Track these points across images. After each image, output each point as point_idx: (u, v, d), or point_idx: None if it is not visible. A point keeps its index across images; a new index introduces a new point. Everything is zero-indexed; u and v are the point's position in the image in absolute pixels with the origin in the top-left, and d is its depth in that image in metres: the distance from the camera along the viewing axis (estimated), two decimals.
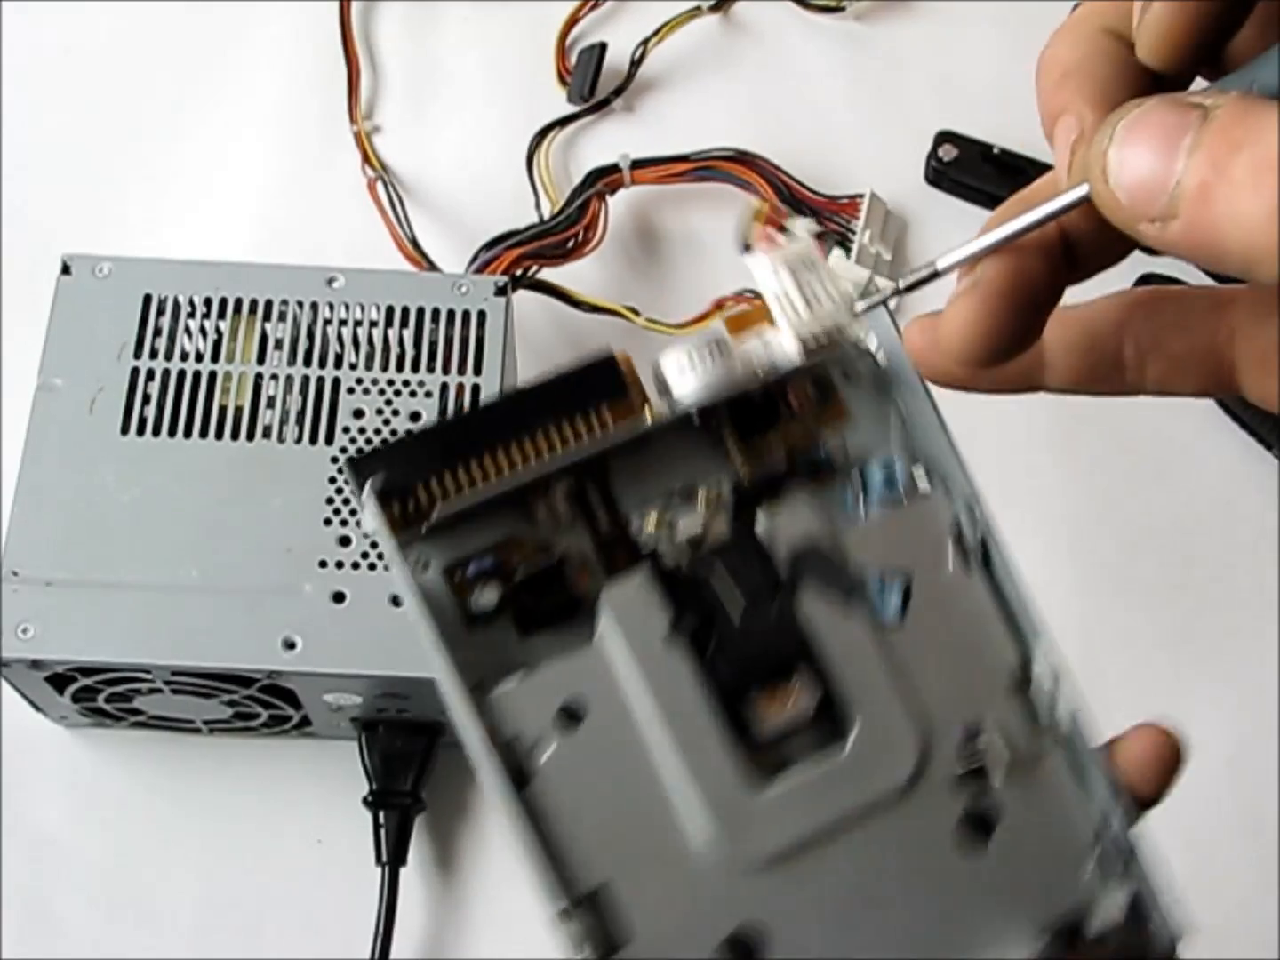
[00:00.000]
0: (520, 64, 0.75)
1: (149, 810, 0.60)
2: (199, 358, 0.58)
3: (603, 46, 0.73)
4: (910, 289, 0.33)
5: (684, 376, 0.33)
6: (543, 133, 0.71)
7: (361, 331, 0.59)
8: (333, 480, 0.56)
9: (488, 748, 0.32)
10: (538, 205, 0.69)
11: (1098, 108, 0.31)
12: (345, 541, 0.55)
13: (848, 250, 0.68)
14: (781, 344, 0.35)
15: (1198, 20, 0.29)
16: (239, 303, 0.59)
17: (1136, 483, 0.65)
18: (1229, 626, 0.62)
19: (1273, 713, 0.60)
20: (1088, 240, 0.31)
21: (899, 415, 0.35)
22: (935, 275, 0.33)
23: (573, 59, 0.74)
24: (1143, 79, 0.30)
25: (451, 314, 0.59)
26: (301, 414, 0.57)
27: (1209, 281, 0.31)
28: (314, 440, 0.56)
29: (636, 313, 0.66)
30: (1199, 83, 0.31)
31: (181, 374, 0.57)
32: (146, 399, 0.57)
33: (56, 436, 0.56)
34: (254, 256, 0.61)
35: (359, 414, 0.57)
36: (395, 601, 0.54)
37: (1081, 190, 0.30)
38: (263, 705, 0.56)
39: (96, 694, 0.55)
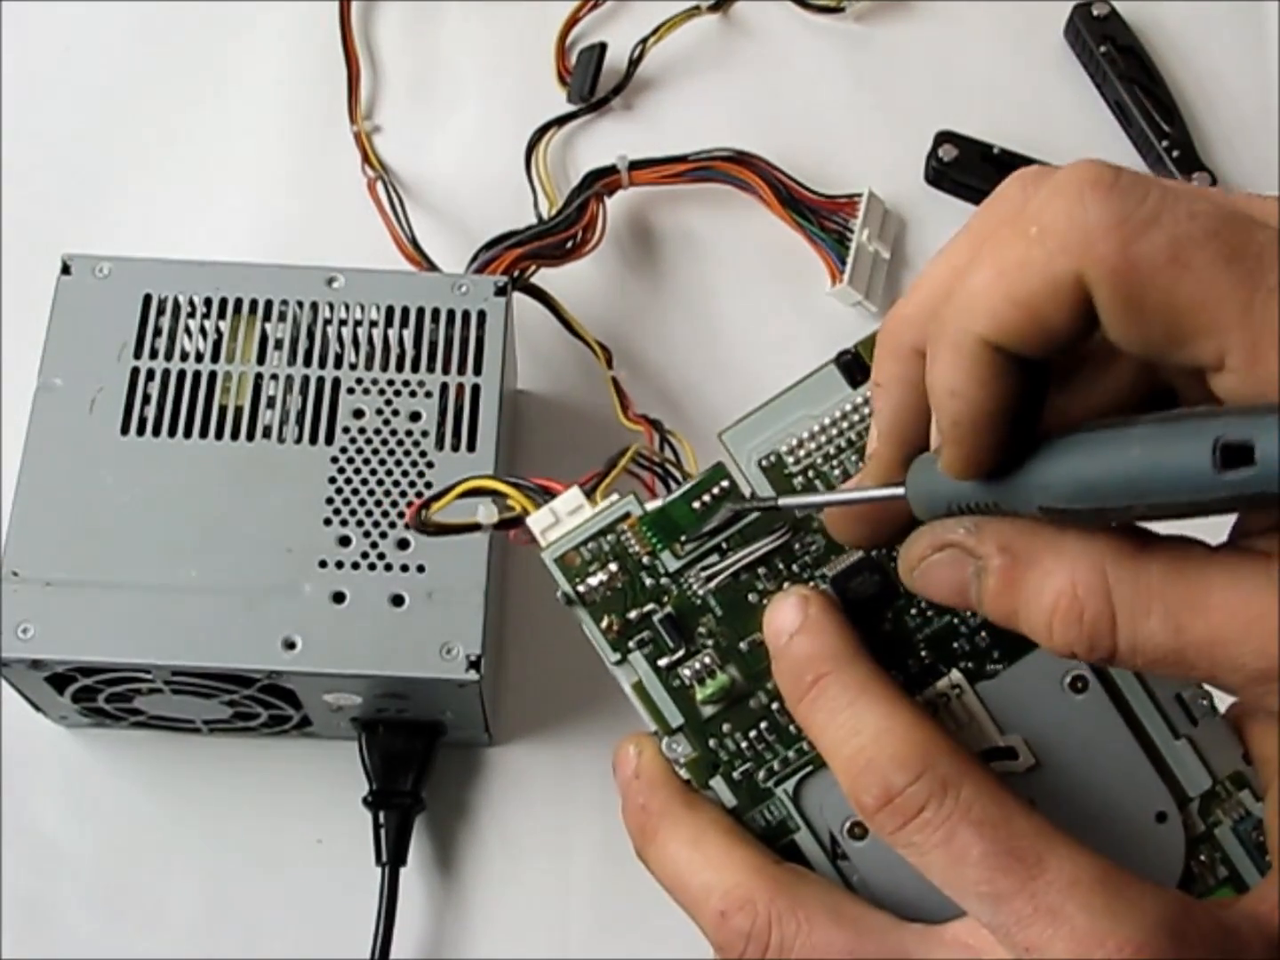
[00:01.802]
0: (520, 64, 0.75)
1: (149, 810, 0.60)
2: (199, 358, 0.58)
3: (602, 46, 0.73)
4: (747, 511, 0.38)
5: None
6: (541, 131, 0.71)
7: (361, 331, 0.59)
8: (332, 480, 0.56)
9: None
10: (535, 204, 0.69)
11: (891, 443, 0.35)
12: (345, 541, 0.55)
13: (846, 250, 0.68)
14: None
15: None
16: (239, 303, 0.59)
17: None
18: None
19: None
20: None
21: None
22: (776, 508, 0.37)
23: (572, 59, 0.74)
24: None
25: (451, 314, 0.59)
26: (301, 414, 0.57)
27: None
28: (314, 440, 0.56)
29: (609, 364, 0.65)
30: None
31: (181, 374, 0.57)
32: (146, 399, 0.57)
33: (56, 436, 0.56)
34: (254, 256, 0.61)
35: (359, 414, 0.57)
36: (395, 601, 0.54)
37: (895, 492, 0.34)
38: (263, 705, 0.56)
39: (96, 694, 0.55)
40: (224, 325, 0.58)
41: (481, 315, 0.59)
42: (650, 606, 0.37)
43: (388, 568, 0.54)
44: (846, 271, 0.67)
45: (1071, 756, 0.37)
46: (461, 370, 0.58)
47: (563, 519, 0.37)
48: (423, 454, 0.56)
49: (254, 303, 0.59)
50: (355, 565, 0.54)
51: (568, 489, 0.37)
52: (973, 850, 0.32)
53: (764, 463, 0.39)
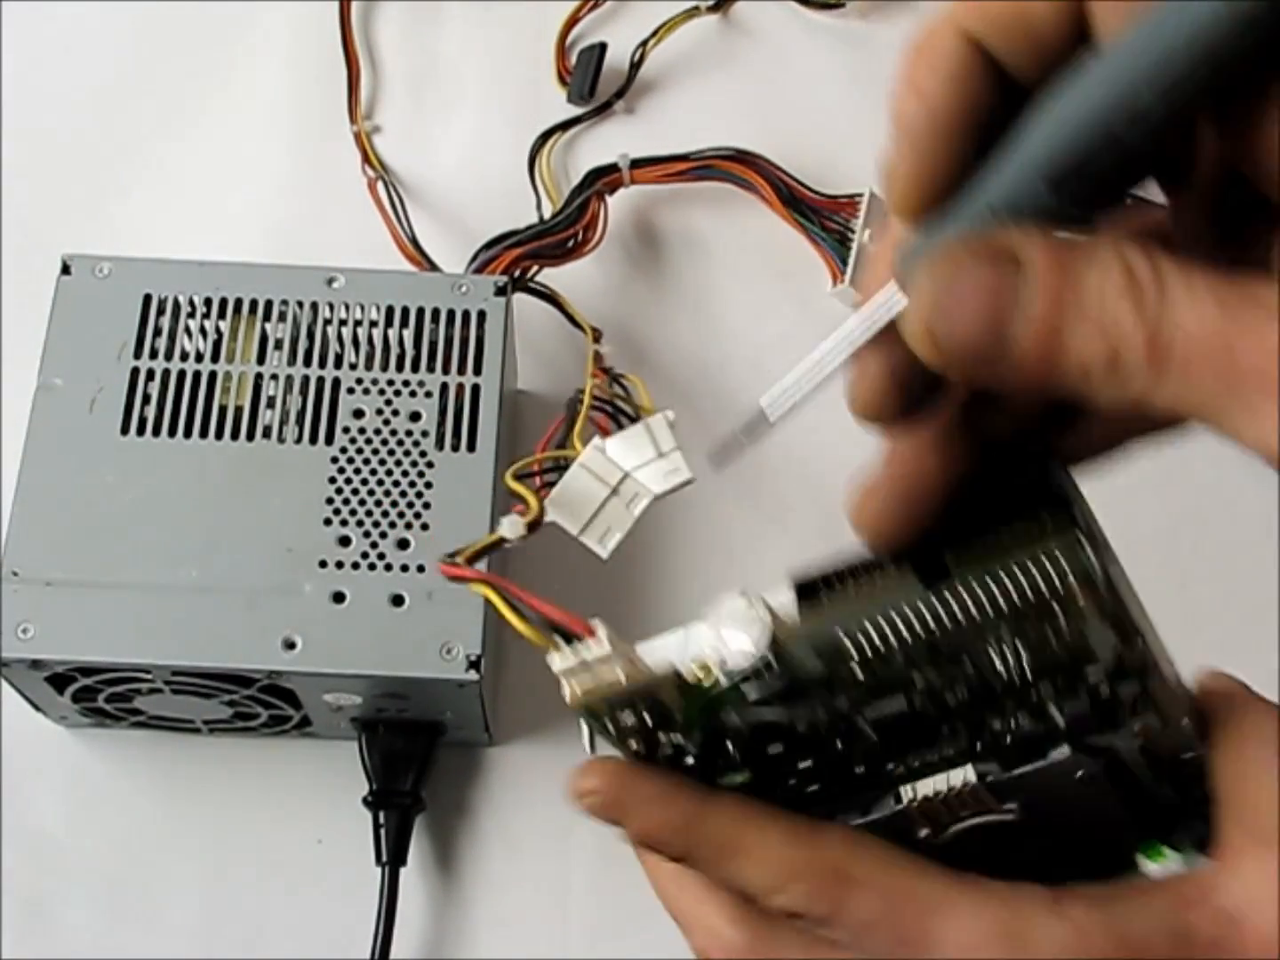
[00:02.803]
0: (520, 64, 0.75)
1: (149, 810, 0.60)
2: (199, 358, 0.58)
3: (603, 46, 0.73)
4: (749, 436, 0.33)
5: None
6: (544, 137, 0.71)
7: (361, 331, 0.59)
8: (332, 480, 0.56)
9: None
10: (539, 208, 0.69)
11: (914, 207, 0.30)
12: (345, 541, 0.55)
13: (847, 250, 0.68)
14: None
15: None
16: (239, 303, 0.59)
17: (1135, 483, 0.65)
18: (1229, 627, 0.62)
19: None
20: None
21: None
22: (763, 417, 0.32)
23: (573, 59, 0.74)
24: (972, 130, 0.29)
25: (451, 314, 0.59)
26: (301, 414, 0.57)
27: None
28: (314, 440, 0.56)
29: (596, 341, 0.65)
30: None
31: (181, 374, 0.57)
32: (146, 399, 0.57)
33: (56, 436, 0.56)
34: (254, 256, 0.61)
35: (359, 414, 0.57)
36: (396, 601, 0.54)
37: (895, 303, 0.29)
38: (263, 705, 0.56)
39: (96, 694, 0.55)
40: (224, 325, 0.58)
41: (481, 315, 0.59)
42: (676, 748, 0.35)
43: (388, 568, 0.54)
44: (848, 272, 0.67)
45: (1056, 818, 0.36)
46: (461, 370, 0.58)
47: (593, 667, 0.33)
48: (423, 454, 0.56)
49: (254, 303, 0.59)
50: (355, 565, 0.54)
51: (589, 631, 0.33)
52: (873, 948, 0.33)
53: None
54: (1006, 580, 0.31)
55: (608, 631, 0.32)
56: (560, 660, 0.33)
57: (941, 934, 0.33)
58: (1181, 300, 0.26)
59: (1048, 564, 0.31)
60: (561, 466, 0.39)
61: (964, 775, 0.35)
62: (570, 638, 0.32)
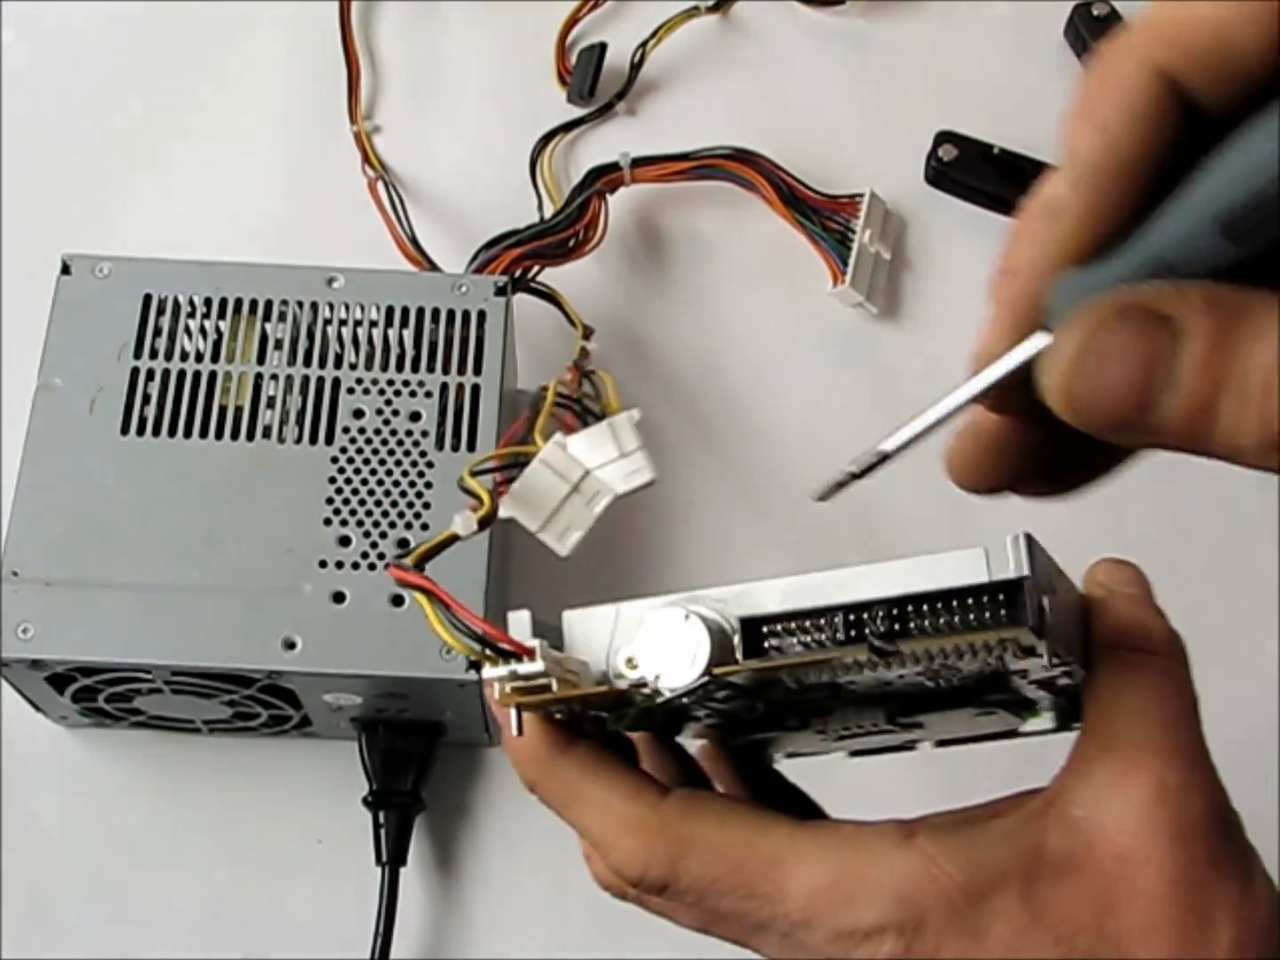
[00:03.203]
0: (520, 64, 0.75)
1: (149, 810, 0.60)
2: (199, 358, 0.58)
3: (603, 46, 0.73)
4: (863, 474, 0.32)
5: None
6: (546, 139, 0.71)
7: (361, 331, 0.59)
8: (332, 480, 0.56)
9: None
10: (540, 208, 0.69)
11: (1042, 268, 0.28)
12: (345, 541, 0.55)
13: (847, 250, 0.68)
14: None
15: None
16: (239, 303, 0.59)
17: (1135, 485, 0.65)
18: (1229, 626, 0.62)
19: (1273, 713, 0.60)
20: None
21: None
22: (885, 458, 0.31)
23: (573, 59, 0.74)
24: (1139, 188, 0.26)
25: (451, 314, 0.59)
26: (301, 414, 0.57)
27: None
28: (314, 440, 0.56)
29: (586, 337, 0.65)
30: None
31: (181, 374, 0.57)
32: (146, 399, 0.57)
33: (56, 436, 0.56)
34: (254, 256, 0.61)
35: (359, 414, 0.57)
36: (396, 601, 0.54)
37: (1037, 344, 0.27)
38: (263, 705, 0.56)
39: (96, 694, 0.55)
40: (224, 325, 0.58)
41: (481, 315, 0.59)
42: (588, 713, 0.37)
43: (388, 567, 0.54)
44: (848, 273, 0.67)
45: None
46: (461, 370, 0.58)
47: (526, 678, 0.34)
48: (423, 454, 0.56)
49: (254, 303, 0.59)
50: (355, 565, 0.54)
51: (525, 648, 0.33)
52: (721, 905, 0.34)
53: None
54: (950, 652, 0.32)
55: (544, 650, 0.33)
56: (490, 669, 0.33)
57: (787, 883, 0.33)
58: None
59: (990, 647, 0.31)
60: (523, 463, 0.39)
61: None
62: (509, 655, 0.33)
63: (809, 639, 0.32)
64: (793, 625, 0.32)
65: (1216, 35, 0.24)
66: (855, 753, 0.42)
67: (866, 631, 0.31)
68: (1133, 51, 0.25)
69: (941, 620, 0.31)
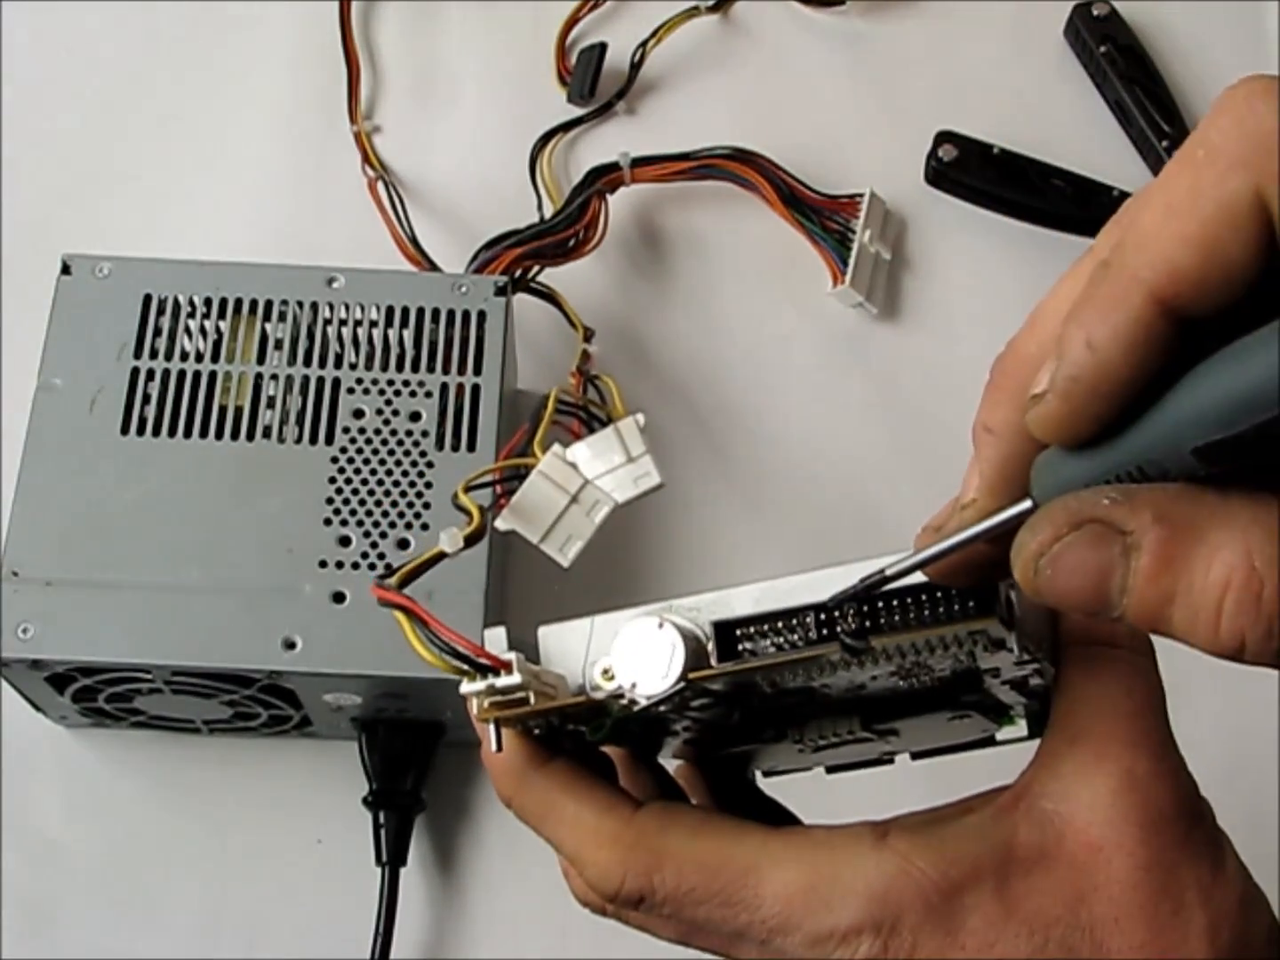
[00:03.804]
0: (520, 64, 0.75)
1: (149, 810, 0.60)
2: (199, 358, 0.58)
3: (602, 46, 0.73)
4: (867, 589, 0.32)
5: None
6: (545, 138, 0.71)
7: (361, 331, 0.59)
8: (332, 480, 0.56)
9: None
10: (540, 208, 0.69)
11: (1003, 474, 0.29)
12: (345, 541, 0.55)
13: (847, 250, 0.68)
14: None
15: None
16: (239, 303, 0.59)
17: None
18: None
19: (1272, 713, 0.60)
20: None
21: None
22: (885, 580, 0.31)
23: (572, 59, 0.74)
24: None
25: (451, 314, 0.59)
26: (301, 414, 0.57)
27: None
28: (314, 440, 0.56)
29: (587, 340, 0.65)
30: None
31: (181, 374, 0.57)
32: (146, 399, 0.57)
33: (56, 436, 0.56)
34: (254, 256, 0.61)
35: (359, 414, 0.57)
36: None
37: (1020, 508, 0.29)
38: (263, 705, 0.56)
39: (96, 694, 0.55)
40: (224, 325, 0.58)
41: (481, 315, 0.59)
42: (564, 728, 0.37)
43: (388, 568, 0.54)
44: (848, 273, 0.67)
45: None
46: (461, 370, 0.58)
47: (504, 692, 0.34)
48: (423, 454, 0.56)
49: (254, 303, 0.59)
50: (355, 565, 0.54)
51: (502, 662, 0.33)
52: (698, 915, 0.34)
53: None
54: (922, 649, 0.32)
55: (521, 663, 0.33)
56: (469, 684, 0.34)
57: (761, 889, 0.33)
58: None
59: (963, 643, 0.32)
60: (522, 475, 0.40)
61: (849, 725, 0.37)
62: (486, 670, 0.33)
63: (781, 640, 0.32)
64: (765, 627, 0.33)
65: (1208, 256, 0.25)
66: (833, 768, 0.42)
67: (838, 629, 0.32)
68: (1128, 276, 0.26)
69: (911, 615, 0.31)
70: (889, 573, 0.31)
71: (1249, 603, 0.25)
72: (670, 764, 0.42)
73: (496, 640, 0.34)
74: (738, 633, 0.33)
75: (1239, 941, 0.32)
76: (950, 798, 0.36)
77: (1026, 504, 0.28)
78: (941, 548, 0.30)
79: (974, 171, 0.71)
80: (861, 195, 0.69)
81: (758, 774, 0.44)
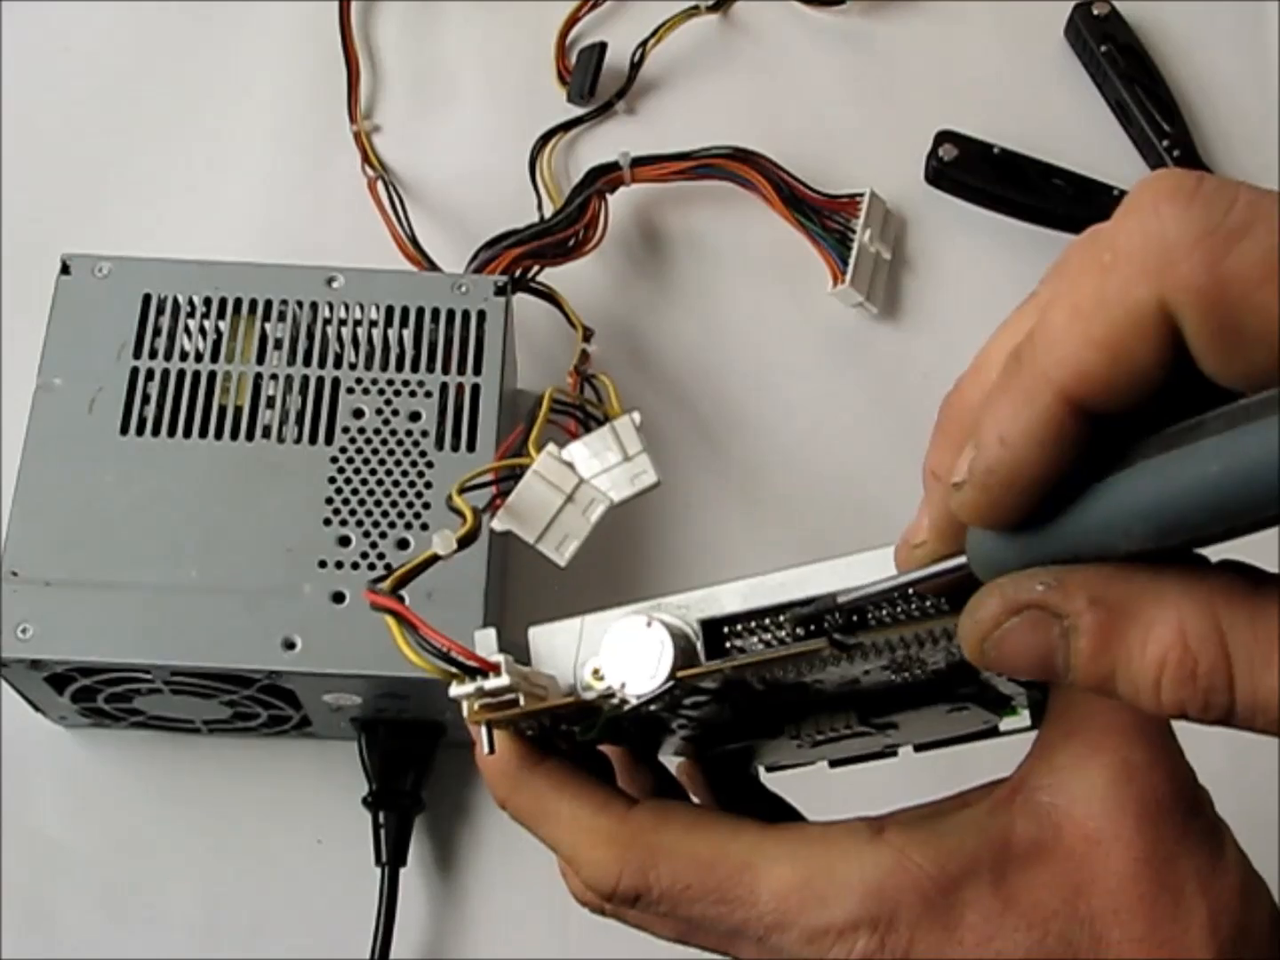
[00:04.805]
0: (520, 64, 0.75)
1: (149, 810, 0.60)
2: (199, 358, 0.58)
3: (602, 46, 0.73)
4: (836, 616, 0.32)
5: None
6: (545, 138, 0.71)
7: (361, 331, 0.59)
8: (332, 480, 0.56)
9: None
10: (540, 208, 0.69)
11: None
12: (345, 541, 0.55)
13: (847, 250, 0.68)
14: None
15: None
16: (239, 303, 0.59)
17: None
18: None
19: None
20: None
21: None
22: (836, 605, 0.32)
23: (572, 58, 0.74)
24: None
25: (451, 314, 0.59)
26: (301, 414, 0.57)
27: None
28: (314, 440, 0.56)
29: (586, 340, 0.65)
30: None
31: (181, 374, 0.57)
32: (146, 399, 0.57)
33: (56, 436, 0.56)
34: (254, 256, 0.61)
35: (359, 414, 0.57)
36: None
37: (958, 563, 0.29)
38: (262, 705, 0.56)
39: (96, 694, 0.55)
40: (224, 325, 0.58)
41: (481, 315, 0.59)
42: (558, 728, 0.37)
43: (388, 568, 0.54)
44: (848, 273, 0.67)
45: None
46: (461, 370, 0.58)
47: (494, 694, 0.35)
48: (422, 454, 0.56)
49: (254, 303, 0.59)
50: (355, 565, 0.54)
51: (491, 664, 0.34)
52: (694, 912, 0.34)
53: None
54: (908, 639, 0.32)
55: (510, 665, 0.33)
56: (458, 687, 0.34)
57: (758, 885, 0.33)
58: (1244, 676, 0.25)
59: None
60: (518, 475, 0.39)
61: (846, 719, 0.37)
62: (475, 672, 0.33)
63: (769, 636, 0.32)
64: (753, 624, 0.33)
65: (1114, 361, 0.25)
66: (835, 762, 0.42)
67: (826, 625, 0.31)
68: (1038, 373, 0.26)
69: (899, 609, 0.31)
70: (841, 601, 0.31)
71: (1185, 680, 0.26)
72: (671, 762, 0.42)
73: (486, 642, 0.34)
74: (725, 630, 0.33)
75: (1240, 931, 0.32)
76: (947, 792, 0.36)
77: (961, 560, 0.29)
78: (888, 585, 0.30)
79: (974, 171, 0.71)
80: (862, 195, 0.69)
81: (760, 770, 0.44)
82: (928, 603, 0.31)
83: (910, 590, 0.31)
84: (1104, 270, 0.25)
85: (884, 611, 0.31)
